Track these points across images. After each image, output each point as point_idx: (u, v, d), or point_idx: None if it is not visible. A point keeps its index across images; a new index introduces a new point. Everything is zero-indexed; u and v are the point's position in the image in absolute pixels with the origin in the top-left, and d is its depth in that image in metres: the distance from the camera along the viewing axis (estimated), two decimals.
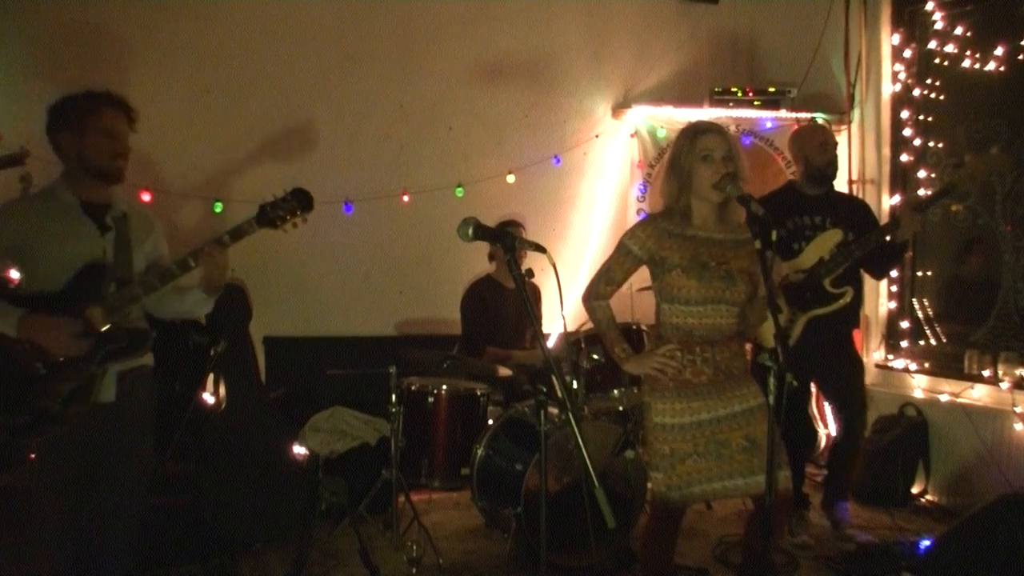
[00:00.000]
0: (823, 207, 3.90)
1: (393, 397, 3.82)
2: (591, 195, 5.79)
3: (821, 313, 3.74)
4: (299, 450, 4.00)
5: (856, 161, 5.55)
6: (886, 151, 5.32)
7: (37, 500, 2.57)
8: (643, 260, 2.73)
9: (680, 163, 2.69)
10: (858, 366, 4.07)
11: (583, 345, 4.10)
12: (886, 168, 5.31)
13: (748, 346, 3.71)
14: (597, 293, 2.80)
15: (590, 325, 3.62)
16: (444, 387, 4.04)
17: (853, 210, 3.99)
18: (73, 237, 2.59)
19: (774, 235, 2.42)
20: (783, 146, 5.47)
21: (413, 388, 4.07)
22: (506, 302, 4.65)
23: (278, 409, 4.18)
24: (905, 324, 5.17)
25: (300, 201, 2.69)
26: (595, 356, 3.89)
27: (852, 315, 3.95)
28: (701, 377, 2.70)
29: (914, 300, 5.12)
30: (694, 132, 2.70)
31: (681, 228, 2.71)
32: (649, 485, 2.84)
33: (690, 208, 2.72)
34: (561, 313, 2.29)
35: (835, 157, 3.96)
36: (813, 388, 4.38)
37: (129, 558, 2.75)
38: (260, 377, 4.43)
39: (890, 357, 5.23)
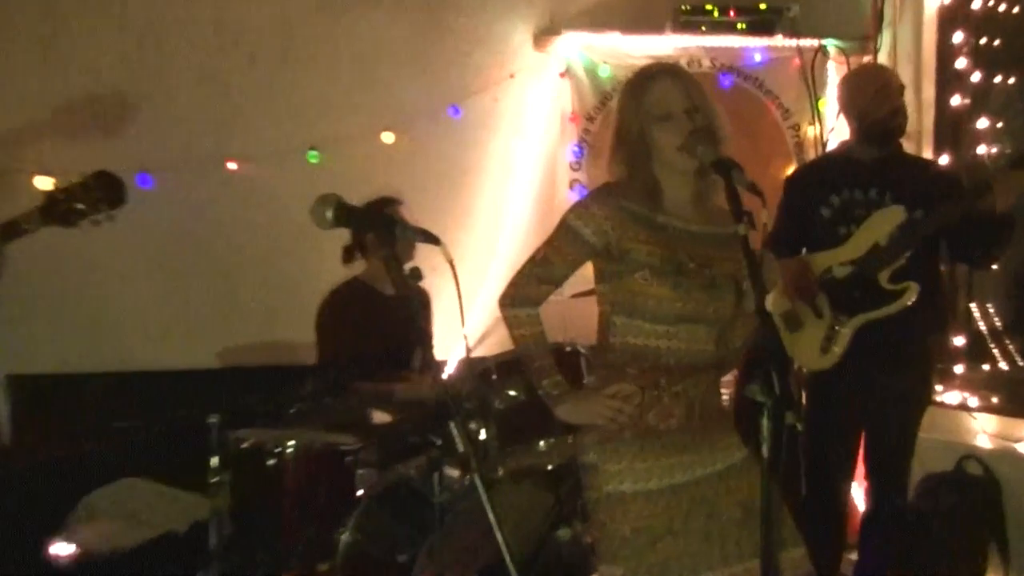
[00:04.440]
0: (882, 176, 3.98)
1: (215, 460, 3.73)
2: (504, 160, 5.83)
3: (875, 318, 3.84)
4: (62, 549, 3.87)
5: None
6: (929, 91, 5.27)
7: None
8: (596, 250, 2.76)
9: (628, 129, 2.75)
10: (921, 401, 4.13)
11: (494, 376, 3.97)
12: (928, 116, 5.24)
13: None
14: (524, 295, 2.81)
15: (503, 343, 3.48)
16: (292, 443, 3.89)
17: (928, 179, 4.03)
18: None
19: (765, 216, 2.48)
20: (779, 88, 5.55)
21: (246, 446, 3.91)
22: (383, 316, 4.47)
23: (24, 485, 4.09)
24: (960, 340, 5.07)
25: (105, 190, 2.85)
26: (512, 392, 3.81)
27: (924, 320, 3.95)
28: (670, 421, 2.73)
29: (972, 305, 5.05)
30: (640, 82, 2.76)
31: (649, 211, 2.75)
32: None
33: (658, 186, 2.76)
34: (463, 331, 2.51)
35: (901, 106, 4.03)
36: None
37: None
38: None
39: (939, 388, 5.03)
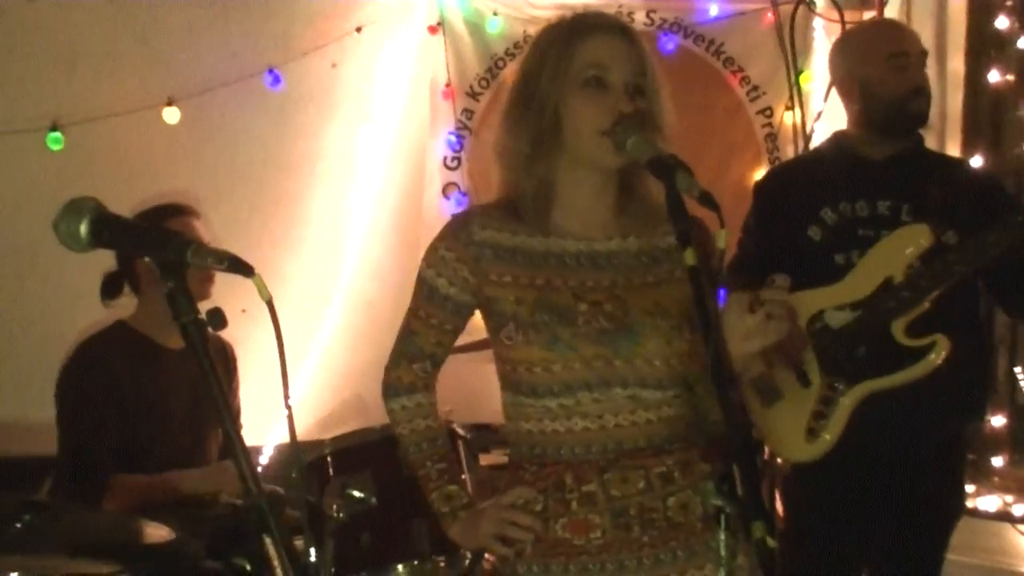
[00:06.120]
0: (897, 182, 3.66)
1: None
2: (345, 153, 5.41)
3: (885, 387, 3.46)
4: None
5: None
6: (957, 63, 5.01)
7: None
8: (468, 305, 2.66)
9: (541, 90, 2.51)
10: (950, 510, 3.79)
11: (331, 470, 3.85)
12: (956, 98, 5.01)
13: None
14: (396, 382, 2.70)
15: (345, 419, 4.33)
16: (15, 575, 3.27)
17: (962, 187, 3.73)
18: None
19: (722, 238, 2.17)
20: (745, 54, 5.33)
21: None
22: (161, 379, 4.05)
23: None
24: (999, 421, 4.83)
25: None
26: (355, 493, 3.65)
27: (956, 393, 3.57)
28: (590, 533, 2.48)
29: (1018, 371, 4.83)
30: (571, 32, 2.54)
31: (523, 236, 2.58)
32: None
33: (551, 190, 2.56)
34: (285, 400, 1.92)
35: (924, 81, 3.72)
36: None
37: None
38: None
39: (971, 490, 4.70)
